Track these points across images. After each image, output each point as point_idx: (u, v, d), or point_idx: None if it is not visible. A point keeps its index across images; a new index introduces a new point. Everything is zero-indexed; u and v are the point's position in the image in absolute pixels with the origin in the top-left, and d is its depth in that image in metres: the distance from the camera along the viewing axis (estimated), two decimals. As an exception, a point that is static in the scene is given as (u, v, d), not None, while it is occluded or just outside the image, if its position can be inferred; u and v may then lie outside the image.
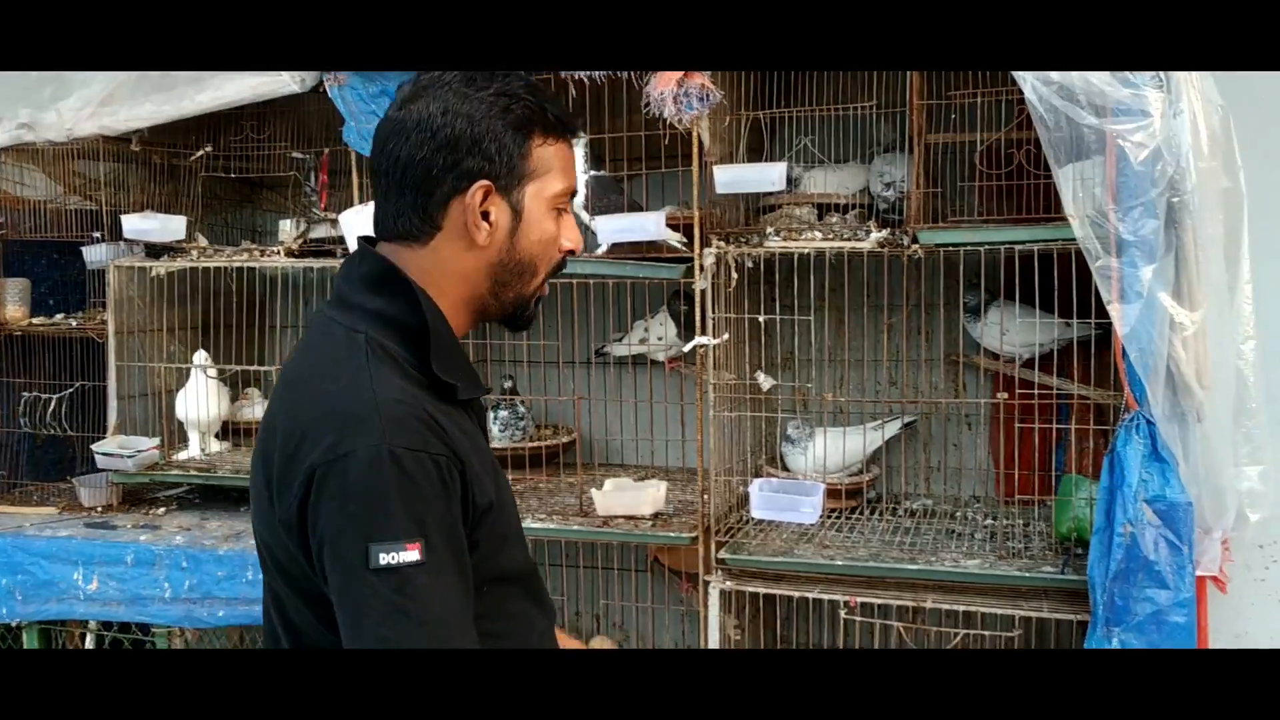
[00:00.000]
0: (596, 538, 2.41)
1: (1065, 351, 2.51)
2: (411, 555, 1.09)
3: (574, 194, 1.32)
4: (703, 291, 2.27)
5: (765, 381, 2.37)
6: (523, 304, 1.31)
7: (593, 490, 2.39)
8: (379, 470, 1.09)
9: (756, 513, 2.22)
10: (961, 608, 2.13)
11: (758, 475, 2.59)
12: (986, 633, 2.10)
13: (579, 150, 2.44)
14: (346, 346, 1.19)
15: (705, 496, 2.32)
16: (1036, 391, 2.37)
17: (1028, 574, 2.13)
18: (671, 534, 2.34)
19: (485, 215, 1.23)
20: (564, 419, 3.07)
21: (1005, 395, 2.22)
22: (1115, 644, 1.98)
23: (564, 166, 1.28)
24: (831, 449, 2.53)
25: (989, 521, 2.51)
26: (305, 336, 1.28)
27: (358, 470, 1.09)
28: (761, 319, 2.34)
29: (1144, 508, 2.01)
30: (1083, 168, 1.99)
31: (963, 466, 2.75)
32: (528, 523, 2.46)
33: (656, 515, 2.40)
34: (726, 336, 2.28)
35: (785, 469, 2.64)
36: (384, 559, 1.08)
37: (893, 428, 2.63)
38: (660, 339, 2.74)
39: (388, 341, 1.20)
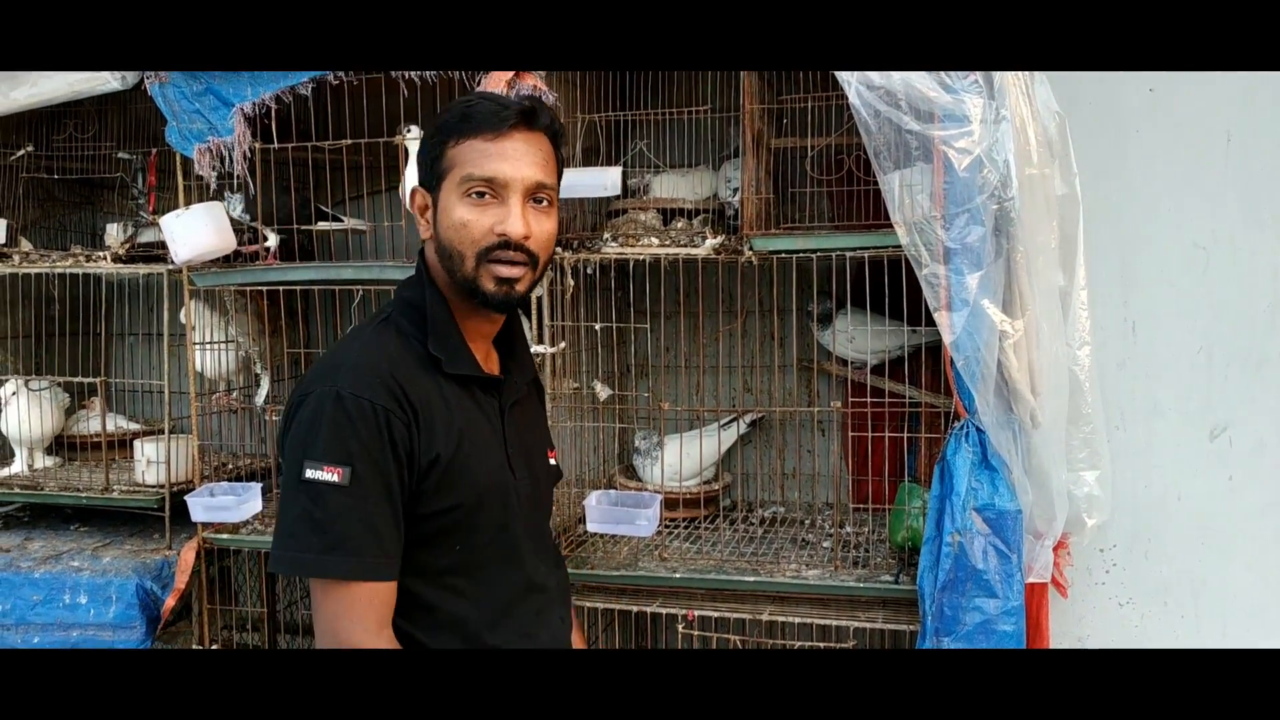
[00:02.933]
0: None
1: (915, 357, 2.50)
2: (331, 477, 1.33)
3: (495, 181, 1.44)
4: (539, 299, 2.20)
5: (602, 391, 2.31)
6: (468, 283, 1.47)
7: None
8: (324, 405, 1.35)
9: (592, 526, 2.16)
10: (798, 620, 2.10)
11: (610, 486, 2.54)
12: (822, 644, 2.08)
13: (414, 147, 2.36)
14: (370, 324, 1.49)
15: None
16: (875, 399, 2.36)
17: (864, 584, 2.11)
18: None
19: (425, 212, 1.50)
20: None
21: (839, 403, 2.20)
22: (945, 654, 1.97)
23: (475, 159, 1.44)
24: (681, 457, 2.49)
25: (837, 529, 2.49)
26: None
27: (312, 405, 1.36)
28: (598, 327, 2.29)
29: (973, 516, 2.00)
30: (908, 174, 1.98)
31: (816, 473, 2.73)
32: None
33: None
34: (564, 345, 2.22)
35: (638, 479, 2.59)
36: (309, 474, 1.33)
37: (740, 427, 2.61)
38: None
39: (404, 321, 1.48)
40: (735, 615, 2.12)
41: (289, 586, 2.85)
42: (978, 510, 2.00)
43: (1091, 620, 2.45)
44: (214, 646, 2.49)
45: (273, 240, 2.47)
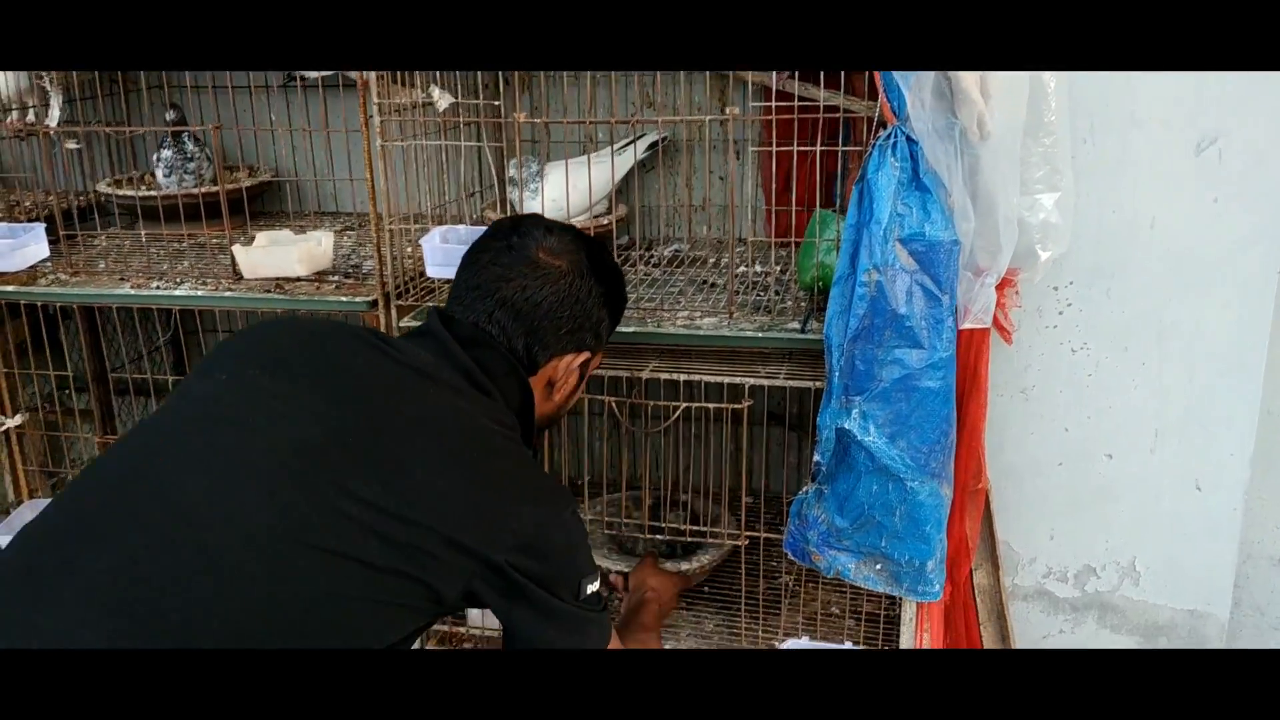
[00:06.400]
0: (249, 306, 1.92)
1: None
2: (598, 581, 1.38)
3: None
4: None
5: (441, 100, 1.84)
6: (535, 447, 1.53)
7: (235, 247, 1.89)
8: (579, 525, 1.34)
9: (432, 271, 1.77)
10: (683, 376, 1.74)
11: (480, 224, 2.12)
12: (711, 405, 1.73)
13: None
14: (504, 432, 1.35)
15: (381, 251, 1.84)
16: (795, 105, 1.90)
17: (765, 333, 1.74)
18: (341, 298, 1.87)
19: (575, 372, 1.48)
20: (264, 159, 2.52)
21: (735, 109, 1.74)
22: (855, 415, 1.63)
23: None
24: (567, 186, 2.06)
25: (745, 269, 2.10)
26: (438, 392, 1.32)
27: (566, 530, 1.31)
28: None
29: (897, 249, 1.60)
30: None
31: (730, 203, 2.30)
32: (180, 290, 1.97)
33: (322, 275, 1.93)
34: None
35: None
36: (590, 588, 1.35)
37: (640, 148, 2.17)
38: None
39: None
40: (612, 373, 1.76)
41: (114, 349, 2.46)
42: (903, 241, 1.60)
43: (1039, 368, 2.11)
44: (20, 417, 2.13)
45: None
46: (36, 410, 2.23)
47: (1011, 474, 2.18)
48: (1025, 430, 2.16)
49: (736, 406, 1.70)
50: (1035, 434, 2.15)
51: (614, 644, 1.41)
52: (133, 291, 1.98)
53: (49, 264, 2.12)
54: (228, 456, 1.16)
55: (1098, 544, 2.19)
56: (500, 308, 1.39)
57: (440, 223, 1.91)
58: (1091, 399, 2.10)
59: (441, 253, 1.75)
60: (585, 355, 1.47)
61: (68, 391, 2.34)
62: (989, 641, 2.14)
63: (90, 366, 2.42)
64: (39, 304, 2.08)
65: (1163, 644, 2.21)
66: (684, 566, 2.02)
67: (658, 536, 1.97)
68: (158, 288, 2.00)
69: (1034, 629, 2.26)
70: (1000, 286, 1.96)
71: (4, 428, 2.13)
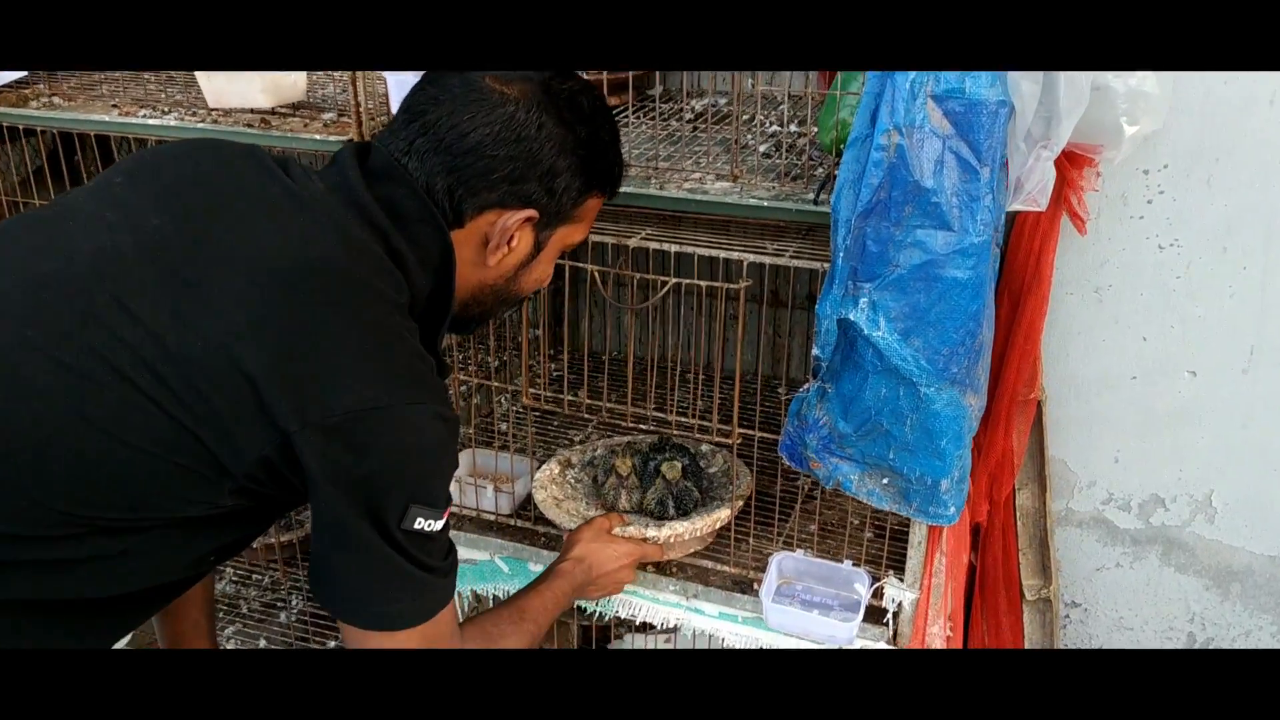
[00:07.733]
0: (227, 137, 1.75)
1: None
2: (442, 522, 1.11)
3: None
4: None
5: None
6: (480, 321, 1.32)
7: (200, 73, 1.72)
8: (429, 432, 1.07)
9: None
10: (675, 248, 1.52)
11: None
12: (703, 282, 1.50)
13: None
14: (375, 300, 1.08)
15: (356, 86, 1.65)
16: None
17: (772, 203, 1.49)
18: (316, 136, 1.69)
19: (509, 239, 1.20)
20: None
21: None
22: (863, 305, 1.39)
23: (589, 222, 1.29)
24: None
25: (779, 129, 1.84)
26: (306, 219, 1.09)
27: (406, 429, 1.05)
28: None
29: (929, 107, 1.33)
30: None
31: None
32: (157, 120, 1.83)
33: (298, 108, 1.75)
34: None
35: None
36: (420, 524, 1.07)
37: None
38: None
39: (398, 300, 1.12)
40: (599, 238, 1.55)
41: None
42: (937, 99, 1.32)
43: (1118, 265, 1.81)
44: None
45: None
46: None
47: (1075, 385, 1.90)
48: (1096, 336, 1.87)
49: (732, 286, 1.47)
50: (1107, 341, 1.86)
51: (440, 621, 1.13)
52: (109, 119, 1.84)
53: (43, 86, 2.01)
54: (15, 262, 1.05)
55: (1169, 472, 1.91)
56: (422, 135, 1.14)
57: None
58: (1178, 305, 1.80)
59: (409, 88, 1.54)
60: (529, 213, 1.18)
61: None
62: (1027, 570, 1.91)
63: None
64: (21, 127, 1.97)
65: (1235, 591, 1.94)
66: (650, 533, 1.59)
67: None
68: (145, 116, 1.86)
69: (1087, 560, 2.02)
70: (1076, 165, 1.67)
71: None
